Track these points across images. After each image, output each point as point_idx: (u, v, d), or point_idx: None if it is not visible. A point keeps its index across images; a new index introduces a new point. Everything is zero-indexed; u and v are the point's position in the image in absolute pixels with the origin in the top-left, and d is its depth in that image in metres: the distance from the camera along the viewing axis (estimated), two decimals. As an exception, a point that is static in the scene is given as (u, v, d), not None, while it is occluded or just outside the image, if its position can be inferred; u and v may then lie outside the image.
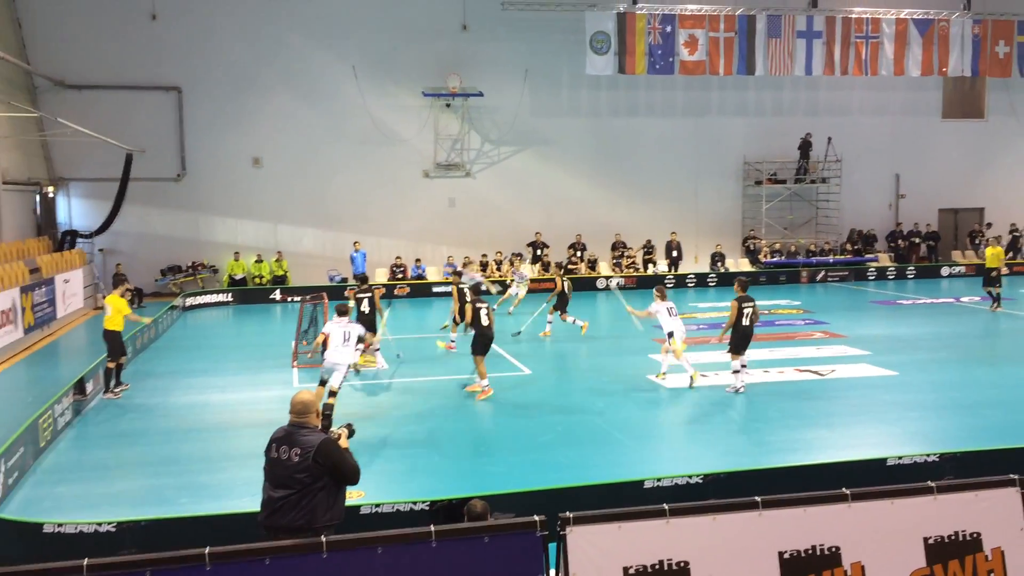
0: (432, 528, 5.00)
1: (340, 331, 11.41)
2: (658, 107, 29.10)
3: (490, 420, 12.33)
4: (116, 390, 13.41)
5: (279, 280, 26.24)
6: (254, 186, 26.65)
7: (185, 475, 9.76)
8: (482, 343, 13.09)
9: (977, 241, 30.71)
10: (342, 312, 11.74)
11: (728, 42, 27.23)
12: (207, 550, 4.58)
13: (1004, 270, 21.74)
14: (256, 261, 26.36)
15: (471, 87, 27.00)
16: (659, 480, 8.09)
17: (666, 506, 5.39)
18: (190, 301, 23.96)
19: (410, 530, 5.06)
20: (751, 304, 12.88)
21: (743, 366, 13.08)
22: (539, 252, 27.47)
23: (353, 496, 7.82)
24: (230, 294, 25.11)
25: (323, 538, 4.84)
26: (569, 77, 27.92)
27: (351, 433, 6.08)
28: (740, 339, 12.87)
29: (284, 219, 27.02)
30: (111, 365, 13.39)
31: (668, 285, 27.11)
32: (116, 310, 13.43)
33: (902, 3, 28.57)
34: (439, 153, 27.79)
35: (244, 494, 8.40)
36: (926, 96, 30.81)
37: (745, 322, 12.80)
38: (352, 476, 5.70)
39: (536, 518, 5.22)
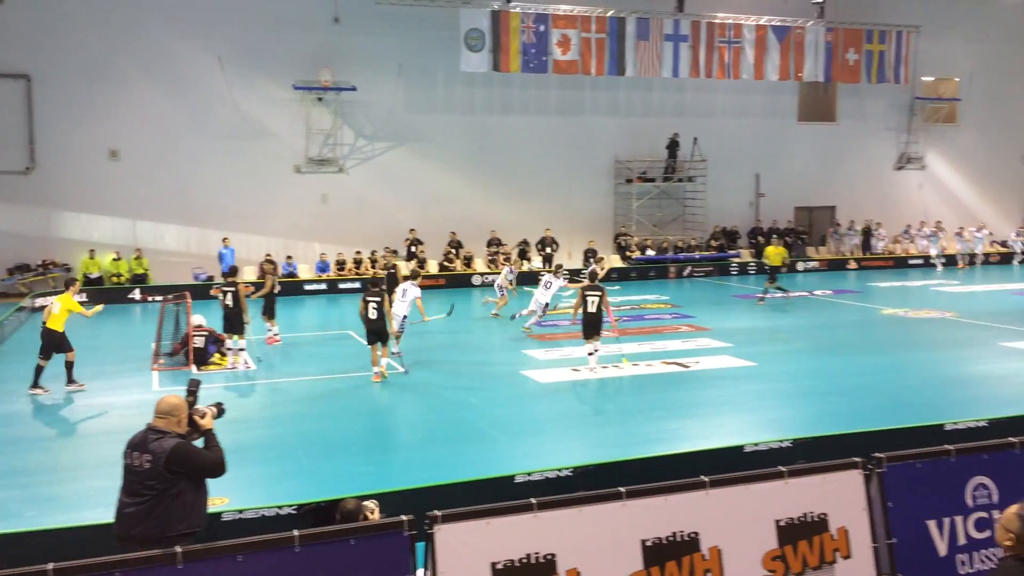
0: (296, 533, 4.88)
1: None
2: (532, 105, 29.42)
3: (361, 419, 12.17)
4: (43, 387, 13.23)
5: (139, 279, 25.02)
6: (111, 180, 25.28)
7: (32, 487, 9.18)
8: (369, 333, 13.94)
9: (834, 233, 32.60)
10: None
11: (599, 43, 27.80)
12: (51, 566, 4.32)
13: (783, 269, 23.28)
14: (114, 259, 25.04)
15: (344, 81, 26.53)
16: (530, 474, 8.17)
17: (534, 500, 5.44)
18: (40, 302, 22.51)
19: (272, 536, 4.92)
20: (598, 294, 14.13)
21: (595, 350, 14.28)
22: (413, 249, 27.28)
23: (216, 502, 7.54)
24: (84, 294, 23.72)
25: (178, 548, 4.64)
26: (444, 73, 27.84)
27: (219, 413, 5.81)
28: (588, 325, 14.16)
29: (144, 215, 25.77)
30: (44, 362, 13.22)
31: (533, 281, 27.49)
32: (64, 310, 13.19)
33: (762, 10, 29.92)
34: (311, 148, 27.18)
35: (96, 505, 7.95)
36: (783, 100, 32.37)
37: (592, 309, 14.06)
38: (213, 470, 5.43)
39: (403, 518, 5.18)
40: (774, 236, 26.83)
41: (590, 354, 14.32)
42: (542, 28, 27.07)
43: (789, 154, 32.38)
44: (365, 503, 6.10)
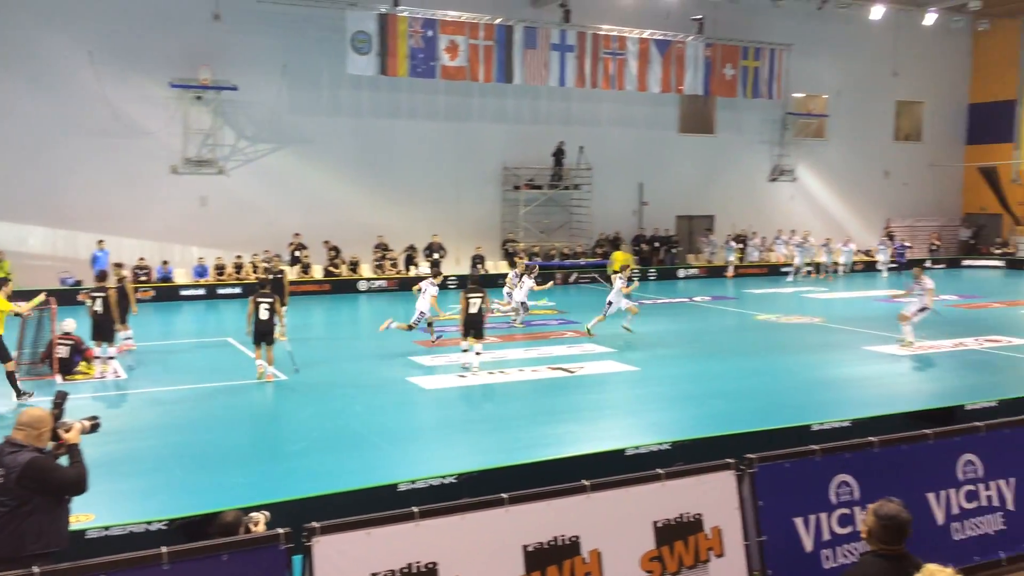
0: (164, 549, 4.66)
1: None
2: (420, 110, 29.31)
3: (240, 429, 11.79)
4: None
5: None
6: (-31, 179, 23.74)
7: None
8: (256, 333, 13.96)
9: (707, 240, 33.75)
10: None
11: (487, 50, 27.96)
12: None
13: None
14: (-29, 262, 23.49)
15: (224, 80, 25.75)
16: (414, 482, 8.10)
17: (415, 508, 5.39)
18: None
19: (138, 553, 4.69)
20: (479, 295, 14.84)
21: (478, 353, 14.82)
22: (297, 254, 26.69)
23: (81, 519, 7.15)
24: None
25: (35, 569, 4.36)
26: (330, 75, 27.40)
27: (93, 428, 5.49)
28: (469, 325, 14.77)
29: (5, 216, 24.27)
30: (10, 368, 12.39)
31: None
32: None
33: (645, 24, 30.75)
34: (189, 148, 26.24)
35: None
36: (665, 112, 33.36)
37: (473, 310, 14.75)
38: (72, 487, 5.13)
39: (280, 531, 5.04)
40: (622, 242, 27.25)
41: (465, 351, 15.02)
42: (430, 33, 27.01)
43: (670, 164, 33.37)
44: (252, 514, 5.84)
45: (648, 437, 10.45)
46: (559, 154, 30.64)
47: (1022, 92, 37.87)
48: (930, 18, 34.35)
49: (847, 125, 36.62)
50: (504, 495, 5.53)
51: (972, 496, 6.97)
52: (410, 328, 17.04)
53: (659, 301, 25.40)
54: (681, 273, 32.09)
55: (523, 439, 11.07)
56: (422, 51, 27.01)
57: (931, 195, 39.32)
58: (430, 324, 17.65)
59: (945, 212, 39.86)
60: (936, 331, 18.23)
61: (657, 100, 32.42)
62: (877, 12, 33.30)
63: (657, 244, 32.75)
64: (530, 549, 5.43)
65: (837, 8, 33.78)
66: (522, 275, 20.14)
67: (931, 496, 6.79)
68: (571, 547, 5.53)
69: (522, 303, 19.88)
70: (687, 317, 22.46)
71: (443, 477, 8.17)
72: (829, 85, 36.14)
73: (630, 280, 19.03)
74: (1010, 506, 7.12)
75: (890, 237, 35.60)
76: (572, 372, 15.01)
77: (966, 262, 37.39)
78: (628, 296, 18.98)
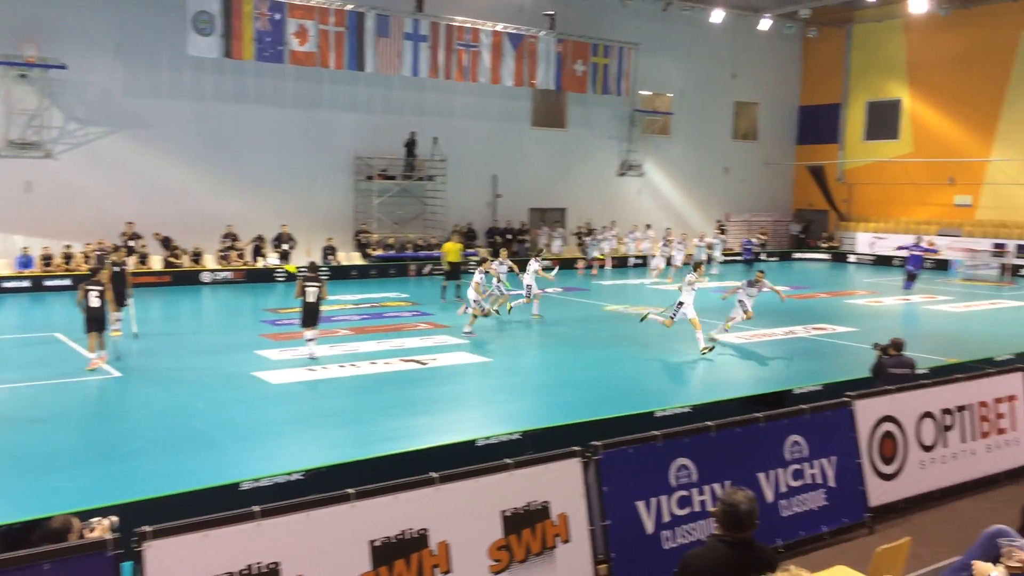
0: (-27, 563, 4.30)
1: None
2: (268, 96, 28.33)
3: (71, 429, 11.05)
4: None
5: None
6: None
7: None
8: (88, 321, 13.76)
9: (556, 232, 34.37)
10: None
11: (339, 36, 27.35)
12: None
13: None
14: None
15: (52, 58, 23.99)
16: (258, 481, 7.81)
17: (256, 508, 5.22)
18: None
19: (-58, 569, 4.31)
20: (316, 284, 14.95)
21: (311, 339, 14.98)
22: (132, 244, 25.23)
23: None
24: None
25: None
26: (170, 56, 26.00)
27: None
28: (306, 314, 14.93)
29: None
30: None
31: (279, 279, 26.61)
32: None
33: (498, 17, 30.94)
34: (11, 130, 24.26)
35: None
36: (518, 105, 33.72)
37: (311, 299, 14.85)
38: None
39: (107, 536, 4.75)
40: (454, 234, 27.33)
41: (309, 340, 15.03)
42: (278, 16, 26.13)
43: (524, 157, 33.78)
44: (93, 520, 5.37)
45: (499, 427, 10.54)
46: (411, 145, 30.40)
47: (846, 97, 40.72)
48: (765, 24, 36.28)
49: (690, 123, 38.22)
50: (350, 490, 5.44)
51: (798, 475, 7.43)
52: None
53: (511, 293, 25.64)
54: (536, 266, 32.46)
55: (374, 433, 10.93)
56: (269, 34, 26.10)
57: (766, 191, 41.67)
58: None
59: (778, 207, 42.33)
60: (770, 320, 19.34)
61: (511, 93, 32.72)
62: (717, 16, 34.87)
63: (510, 236, 33.09)
64: (377, 544, 5.36)
65: (681, 10, 35.16)
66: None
67: (761, 476, 7.19)
68: (419, 540, 5.50)
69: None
70: (540, 308, 22.77)
71: (289, 474, 7.92)
72: (674, 84, 37.59)
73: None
74: (832, 483, 7.64)
75: (721, 231, 37.14)
76: (425, 364, 14.95)
77: (796, 255, 39.87)
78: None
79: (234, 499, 7.42)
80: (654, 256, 31.10)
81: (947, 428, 8.77)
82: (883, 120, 39.28)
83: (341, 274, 27.79)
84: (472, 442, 9.19)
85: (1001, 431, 9.28)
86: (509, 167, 33.42)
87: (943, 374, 10.63)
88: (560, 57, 32.02)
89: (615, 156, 36.41)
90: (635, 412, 10.64)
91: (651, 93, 37.15)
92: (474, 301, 18.08)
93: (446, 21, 29.36)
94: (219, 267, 26.64)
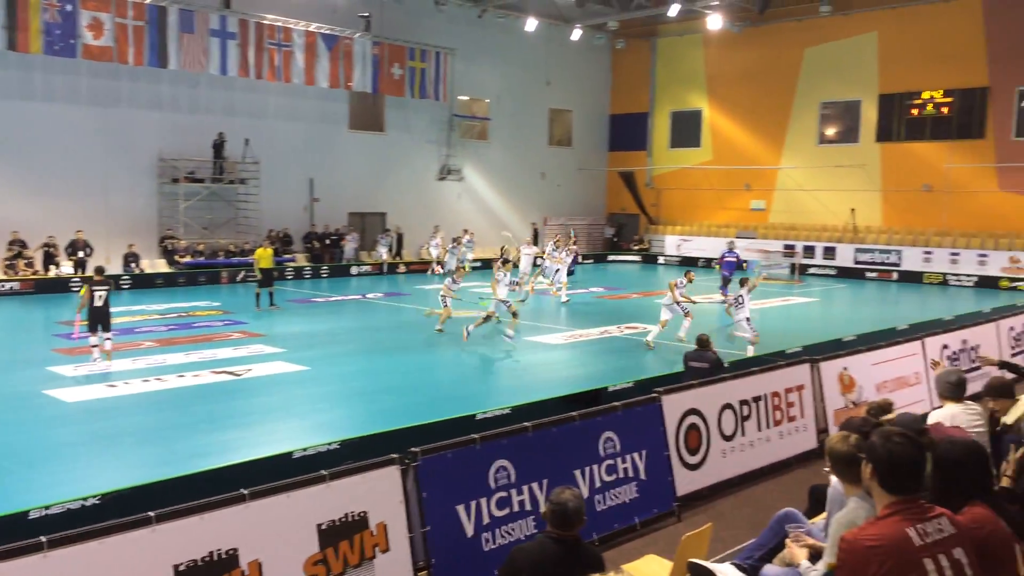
0: None
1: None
2: (59, 92, 26.26)
3: None
4: None
5: None
6: None
7: None
8: None
9: (380, 240, 34.01)
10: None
11: (138, 31, 25.77)
12: None
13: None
14: None
15: None
16: (47, 508, 7.17)
17: (43, 538, 4.77)
18: None
19: None
20: (104, 288, 15.01)
21: (109, 338, 15.01)
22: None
23: None
24: None
25: None
26: (-59, 45, 23.58)
27: None
28: (94, 318, 14.83)
29: None
30: None
31: (75, 289, 24.70)
32: None
33: (310, 17, 30.23)
34: None
35: None
36: (335, 107, 33.08)
37: (98, 303, 14.81)
38: None
39: None
40: (266, 240, 26.63)
41: (94, 346, 14.79)
42: (69, 8, 24.29)
43: (342, 160, 33.18)
44: None
45: (318, 438, 10.24)
46: (220, 146, 29.13)
47: (653, 106, 42.88)
48: (576, 34, 37.55)
49: (507, 129, 38.94)
50: (151, 513, 5.08)
51: (612, 469, 7.69)
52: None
53: (332, 299, 25.14)
54: (354, 270, 32.04)
55: (182, 450, 10.35)
56: (59, 27, 24.19)
57: (581, 196, 43.14)
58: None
59: (592, 212, 43.94)
60: (586, 321, 19.98)
61: (327, 95, 32.06)
62: (531, 24, 35.75)
63: (328, 241, 32.41)
64: (181, 568, 5.04)
65: (496, 18, 35.77)
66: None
67: (578, 472, 7.38)
68: (229, 560, 5.22)
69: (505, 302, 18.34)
70: (359, 314, 22.48)
71: (84, 499, 7.32)
72: (491, 90, 38.17)
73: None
74: (642, 475, 7.96)
75: (535, 236, 37.83)
76: (239, 375, 14.32)
77: (611, 257, 41.54)
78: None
79: (20, 530, 6.78)
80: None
81: (745, 418, 9.36)
82: (686, 129, 41.70)
83: (145, 283, 26.21)
84: (289, 454, 8.86)
85: (792, 419, 10.03)
86: (326, 170, 32.73)
87: (742, 367, 11.37)
88: (377, 60, 31.73)
89: (435, 160, 36.49)
90: (456, 416, 10.66)
91: (469, 98, 37.55)
92: (504, 301, 18.03)
93: (255, 19, 28.38)
94: (5, 277, 24.39)
